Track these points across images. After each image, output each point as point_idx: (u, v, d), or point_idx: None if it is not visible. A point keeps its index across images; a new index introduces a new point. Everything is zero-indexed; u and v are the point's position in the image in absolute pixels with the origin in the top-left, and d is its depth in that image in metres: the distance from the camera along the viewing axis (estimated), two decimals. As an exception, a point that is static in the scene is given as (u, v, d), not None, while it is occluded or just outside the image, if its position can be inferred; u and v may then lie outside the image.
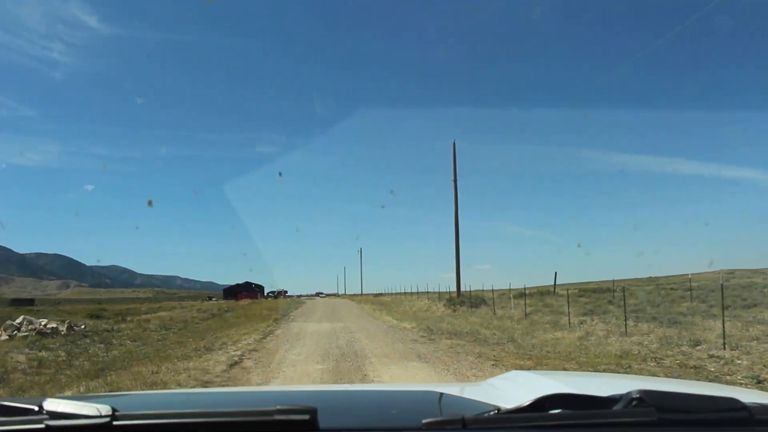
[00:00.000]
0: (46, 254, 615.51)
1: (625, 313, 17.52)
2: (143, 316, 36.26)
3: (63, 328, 21.95)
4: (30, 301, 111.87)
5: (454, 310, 30.58)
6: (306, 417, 1.02)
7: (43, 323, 22.30)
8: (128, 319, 33.13)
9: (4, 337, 20.29)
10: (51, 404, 1.10)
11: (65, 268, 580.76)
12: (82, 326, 24.22)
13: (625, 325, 16.33)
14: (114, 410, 1.06)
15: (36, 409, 1.13)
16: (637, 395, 1.14)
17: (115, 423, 1.04)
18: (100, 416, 1.04)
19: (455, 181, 39.00)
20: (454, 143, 39.71)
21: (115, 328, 25.26)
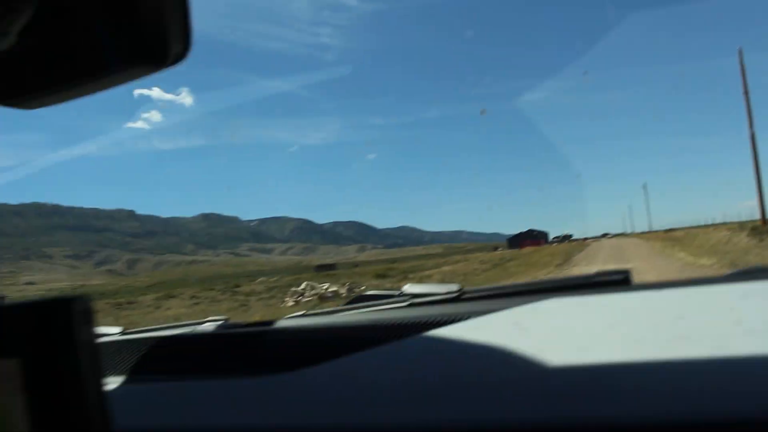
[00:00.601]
0: (343, 222, 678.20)
1: None
2: (426, 272, 35.88)
3: (344, 291, 21.64)
4: (332, 266, 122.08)
5: (761, 240, 25.03)
6: (622, 276, 1.14)
7: (324, 287, 22.23)
8: (410, 276, 32.77)
9: (291, 303, 20.48)
10: (410, 288, 1.30)
11: (360, 233, 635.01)
12: (363, 288, 23.85)
13: None
14: (461, 287, 1.25)
15: (398, 293, 1.35)
16: None
17: (462, 297, 1.21)
18: (451, 292, 1.23)
19: (746, 93, 31.80)
20: (740, 51, 32.63)
21: (395, 287, 24.53)
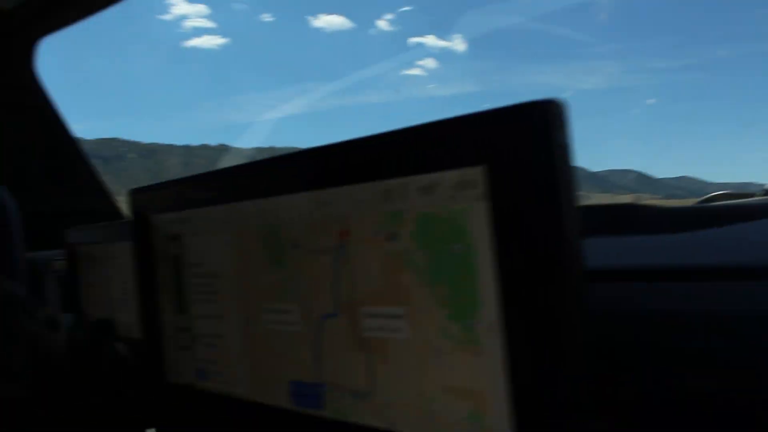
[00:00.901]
0: (618, 170, 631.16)
1: None
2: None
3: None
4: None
5: None
6: None
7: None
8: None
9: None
10: None
11: (636, 182, 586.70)
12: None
13: None
14: None
15: (759, 192, 1.37)
16: None
17: None
18: None
19: None
20: None
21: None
